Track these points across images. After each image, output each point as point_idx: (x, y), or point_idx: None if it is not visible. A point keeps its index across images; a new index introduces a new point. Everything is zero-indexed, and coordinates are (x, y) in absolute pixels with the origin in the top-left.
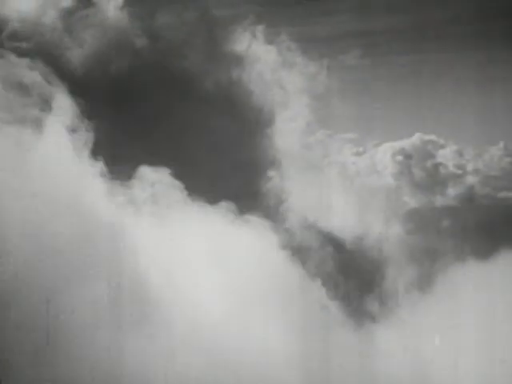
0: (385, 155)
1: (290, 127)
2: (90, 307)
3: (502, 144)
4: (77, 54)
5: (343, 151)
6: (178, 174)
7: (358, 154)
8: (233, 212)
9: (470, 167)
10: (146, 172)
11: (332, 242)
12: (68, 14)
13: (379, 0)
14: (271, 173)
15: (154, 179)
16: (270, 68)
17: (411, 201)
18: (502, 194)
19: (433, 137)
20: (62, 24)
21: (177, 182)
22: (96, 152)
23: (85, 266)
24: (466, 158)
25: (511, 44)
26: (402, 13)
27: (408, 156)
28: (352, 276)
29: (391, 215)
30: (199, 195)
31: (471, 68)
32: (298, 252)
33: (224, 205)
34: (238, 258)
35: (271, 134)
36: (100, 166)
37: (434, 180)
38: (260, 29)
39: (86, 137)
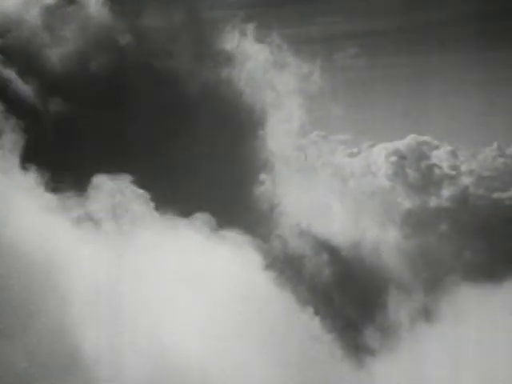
0: (379, 156)
1: (283, 128)
2: None
3: (495, 145)
4: (56, 52)
5: (337, 152)
6: (141, 182)
7: (353, 155)
8: (210, 226)
9: (464, 168)
10: (102, 181)
11: (327, 249)
12: (49, 11)
13: (375, 1)
14: (263, 176)
15: (113, 189)
16: (261, 67)
17: (405, 202)
18: (496, 195)
19: (427, 138)
20: (43, 21)
21: (141, 192)
22: (36, 159)
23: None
24: (460, 158)
25: (507, 45)
26: (397, 14)
27: (402, 157)
28: (349, 298)
29: (387, 218)
30: (169, 206)
31: (465, 69)
32: (287, 270)
33: (199, 217)
34: (215, 282)
35: (263, 135)
36: (41, 176)
37: (429, 181)
38: (250, 27)
39: (15, 139)
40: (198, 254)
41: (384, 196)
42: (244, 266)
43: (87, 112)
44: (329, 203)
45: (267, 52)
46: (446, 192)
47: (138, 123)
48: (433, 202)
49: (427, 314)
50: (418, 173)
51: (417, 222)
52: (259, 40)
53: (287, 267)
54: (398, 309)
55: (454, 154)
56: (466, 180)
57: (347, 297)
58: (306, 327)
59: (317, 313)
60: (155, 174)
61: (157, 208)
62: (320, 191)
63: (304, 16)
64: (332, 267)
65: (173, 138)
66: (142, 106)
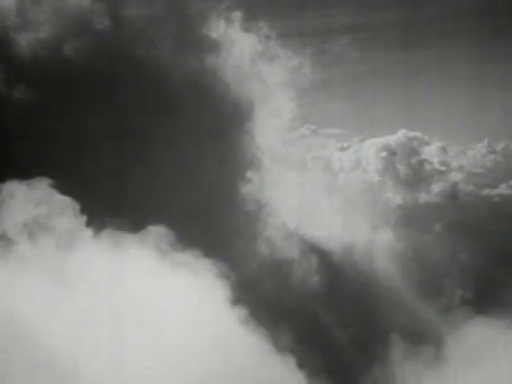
0: (369, 151)
1: (272, 122)
2: None
3: (486, 141)
4: (28, 37)
5: (328, 146)
6: (67, 187)
7: (343, 149)
8: (166, 243)
9: (454, 164)
10: (15, 188)
11: (316, 253)
12: None
13: None
14: (249, 174)
15: (30, 198)
16: (249, 58)
17: (395, 197)
18: (486, 192)
19: (418, 133)
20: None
21: (67, 200)
22: None
23: None
24: (450, 155)
25: (498, 42)
26: (390, 9)
27: (392, 152)
28: (340, 338)
29: (379, 217)
30: (109, 219)
31: (458, 65)
32: (262, 305)
33: (154, 232)
34: (169, 322)
35: (250, 129)
36: None
37: (418, 177)
38: (237, 15)
39: None
40: (148, 282)
41: (374, 192)
42: (207, 301)
43: (42, 103)
44: (319, 201)
45: (255, 42)
46: (436, 188)
47: (101, 117)
48: (422, 197)
49: (435, 356)
50: (408, 168)
51: (409, 221)
52: (246, 29)
53: (263, 298)
54: (400, 354)
55: (444, 149)
56: (455, 176)
57: (338, 334)
58: (285, 380)
59: (301, 364)
60: (88, 176)
61: (90, 222)
62: (310, 188)
63: (295, 8)
64: (322, 282)
65: (142, 132)
66: (114, 98)
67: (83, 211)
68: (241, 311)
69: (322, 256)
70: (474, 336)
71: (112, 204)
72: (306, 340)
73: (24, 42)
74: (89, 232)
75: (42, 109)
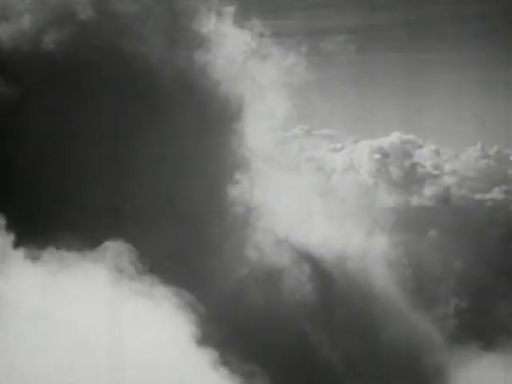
0: (362, 153)
1: (263, 122)
2: None
3: (479, 145)
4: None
5: (321, 148)
6: None
7: (336, 150)
8: (128, 263)
9: (447, 168)
10: None
11: (309, 260)
12: None
13: None
14: (238, 175)
15: None
16: (240, 55)
17: (388, 200)
18: (479, 196)
19: (411, 136)
20: None
21: None
22: None
23: None
24: (443, 158)
25: (498, 46)
26: (388, 10)
27: (385, 154)
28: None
29: (372, 222)
30: (52, 232)
31: (452, 68)
32: (236, 346)
33: (112, 249)
34: (122, 362)
35: (239, 129)
36: None
37: (411, 179)
38: (229, 10)
39: None
40: (98, 314)
41: (367, 194)
42: (170, 338)
43: None
44: (311, 204)
45: (248, 38)
46: (428, 191)
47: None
48: (415, 200)
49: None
50: (400, 171)
51: (402, 226)
52: (239, 25)
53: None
54: None
55: (437, 152)
56: (448, 180)
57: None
58: None
59: None
60: (22, 180)
61: (20, 242)
62: (302, 190)
63: (290, 6)
64: (315, 293)
65: (117, 128)
66: (94, 93)
67: (10, 227)
68: (208, 353)
69: (314, 264)
70: (481, 376)
71: (55, 214)
72: None
73: (4, 32)
74: (19, 252)
75: None
